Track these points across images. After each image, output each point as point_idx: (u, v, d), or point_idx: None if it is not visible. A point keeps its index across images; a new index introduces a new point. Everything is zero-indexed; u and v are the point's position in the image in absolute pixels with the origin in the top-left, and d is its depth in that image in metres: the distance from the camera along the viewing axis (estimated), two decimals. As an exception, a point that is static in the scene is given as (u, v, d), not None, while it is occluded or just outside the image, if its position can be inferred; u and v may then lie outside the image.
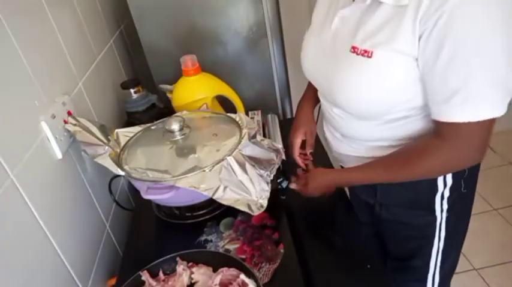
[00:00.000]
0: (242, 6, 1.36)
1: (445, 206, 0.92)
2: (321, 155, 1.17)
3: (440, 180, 0.88)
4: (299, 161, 1.07)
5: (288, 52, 1.48)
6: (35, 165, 0.74)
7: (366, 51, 0.75)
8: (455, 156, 0.75)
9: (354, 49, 0.77)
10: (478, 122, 0.68)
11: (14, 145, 0.69)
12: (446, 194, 0.90)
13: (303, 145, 1.08)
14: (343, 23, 0.82)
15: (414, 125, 0.82)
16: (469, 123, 0.69)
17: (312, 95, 1.08)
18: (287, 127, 1.14)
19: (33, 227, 0.71)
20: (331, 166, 1.14)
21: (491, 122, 0.69)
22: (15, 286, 0.63)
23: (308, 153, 1.08)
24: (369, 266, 0.87)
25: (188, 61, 1.18)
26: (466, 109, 0.68)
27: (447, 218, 0.94)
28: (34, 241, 0.70)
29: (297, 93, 1.26)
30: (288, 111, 1.59)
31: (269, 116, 1.32)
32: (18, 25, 0.78)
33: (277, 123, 1.30)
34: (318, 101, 1.05)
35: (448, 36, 0.65)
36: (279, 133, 1.24)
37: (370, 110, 0.82)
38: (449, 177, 0.88)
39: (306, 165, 1.05)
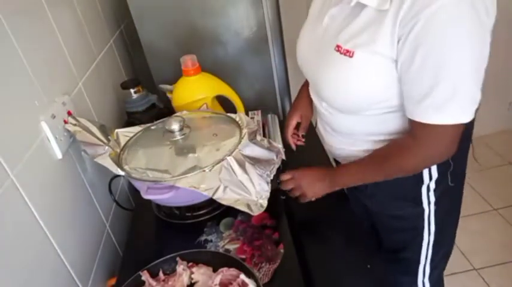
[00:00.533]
0: (242, 6, 1.36)
1: (432, 199, 0.95)
2: (316, 147, 1.18)
3: (425, 173, 0.92)
4: (291, 141, 1.13)
5: (288, 52, 1.48)
6: (35, 165, 0.74)
7: (348, 51, 0.79)
8: (426, 154, 0.82)
9: (338, 48, 0.82)
10: (447, 125, 0.74)
11: (14, 145, 0.69)
12: (432, 186, 0.93)
13: (297, 127, 1.14)
14: (332, 20, 0.86)
15: (399, 120, 0.86)
16: (439, 125, 0.74)
17: None
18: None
19: (33, 227, 0.71)
20: (326, 158, 1.18)
21: (460, 126, 0.75)
22: (15, 286, 0.63)
23: (300, 135, 1.14)
24: (369, 266, 0.87)
25: (188, 61, 1.18)
26: (435, 112, 0.74)
27: (436, 211, 0.97)
28: (34, 241, 0.70)
29: (296, 94, 1.26)
30: (288, 111, 1.59)
31: (269, 116, 1.32)
32: (18, 25, 0.78)
33: (277, 123, 1.30)
34: None
35: (421, 42, 0.69)
36: (279, 133, 1.23)
37: (351, 106, 0.87)
38: (434, 170, 0.91)
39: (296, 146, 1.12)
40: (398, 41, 0.72)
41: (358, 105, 0.86)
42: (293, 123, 1.13)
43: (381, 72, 0.78)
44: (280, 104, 1.57)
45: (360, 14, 0.78)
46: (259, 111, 1.33)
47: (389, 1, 0.72)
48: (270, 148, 0.94)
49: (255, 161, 0.88)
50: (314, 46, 0.91)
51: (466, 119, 0.74)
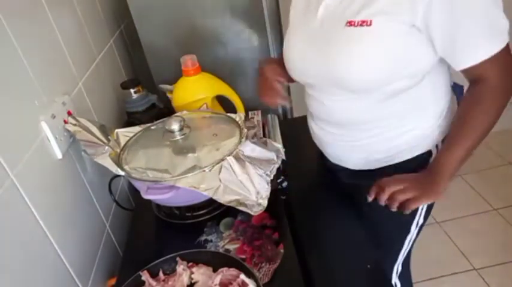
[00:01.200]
0: (242, 6, 1.36)
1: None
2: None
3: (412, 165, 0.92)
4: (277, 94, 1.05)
5: (288, 52, 1.48)
6: (35, 165, 0.74)
7: (363, 22, 0.77)
8: (505, 86, 0.81)
9: (350, 23, 0.79)
10: (500, 53, 0.76)
11: (14, 145, 0.69)
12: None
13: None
14: (329, 9, 0.85)
15: (399, 105, 0.86)
16: (494, 58, 0.75)
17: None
18: (287, 127, 1.14)
19: (33, 227, 0.71)
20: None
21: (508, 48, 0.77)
22: (15, 285, 0.63)
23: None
24: (369, 266, 0.87)
25: (188, 61, 1.18)
26: (485, 44, 0.75)
27: (428, 205, 0.97)
28: (34, 241, 0.70)
29: (297, 94, 1.26)
30: (288, 111, 1.59)
31: (269, 116, 1.32)
32: (18, 25, 0.78)
33: (277, 123, 1.30)
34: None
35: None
36: (279, 133, 1.23)
37: (373, 80, 0.83)
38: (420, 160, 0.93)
39: None
40: (423, 6, 0.73)
41: (381, 77, 0.83)
42: (274, 68, 1.05)
43: (400, 39, 0.77)
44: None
45: None
46: (259, 111, 1.33)
47: None
48: (270, 148, 0.94)
49: (255, 161, 0.88)
50: (313, 41, 0.89)
51: (503, 44, 0.76)
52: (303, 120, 1.12)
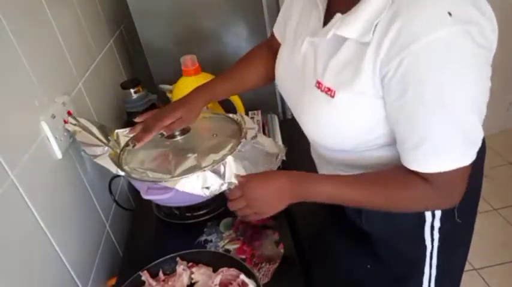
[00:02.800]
0: (242, 6, 1.36)
1: (437, 236, 0.86)
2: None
3: (427, 211, 0.82)
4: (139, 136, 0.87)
5: (288, 52, 1.48)
6: (35, 165, 0.74)
7: (329, 90, 0.71)
8: (435, 198, 0.72)
9: (318, 84, 0.73)
10: (452, 170, 0.66)
11: (14, 145, 0.69)
12: (437, 224, 0.84)
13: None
14: (311, 50, 0.77)
15: (395, 152, 0.73)
16: (442, 172, 0.66)
17: (221, 86, 0.98)
18: (287, 127, 1.14)
19: (33, 227, 0.71)
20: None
21: (467, 167, 0.67)
22: (15, 286, 0.63)
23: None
24: (369, 266, 0.87)
25: (188, 61, 1.18)
26: (436, 159, 0.66)
27: (439, 247, 0.87)
28: (34, 241, 0.70)
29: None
30: (288, 111, 1.59)
31: (269, 116, 1.32)
32: (18, 25, 0.78)
33: (277, 123, 1.30)
34: (224, 95, 0.99)
35: (411, 82, 0.61)
36: (279, 133, 1.23)
37: (340, 145, 0.78)
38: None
39: None
40: (383, 78, 0.64)
41: (346, 145, 0.77)
42: (174, 115, 0.88)
43: (367, 112, 0.69)
44: (280, 104, 1.57)
45: (341, 48, 0.69)
46: (259, 111, 1.33)
47: (371, 32, 0.63)
48: (270, 148, 0.94)
49: (255, 161, 0.88)
50: (293, 76, 0.82)
51: (467, 161, 0.66)
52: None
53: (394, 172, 0.73)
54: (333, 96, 0.71)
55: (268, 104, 1.52)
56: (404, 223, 0.85)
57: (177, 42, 1.39)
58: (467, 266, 1.85)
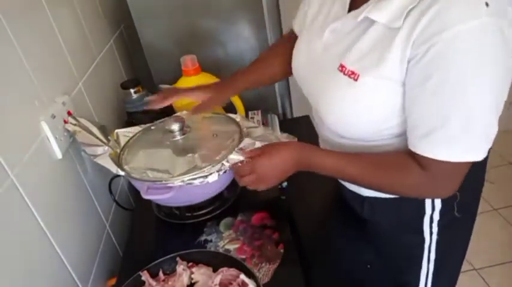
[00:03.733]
0: (242, 6, 1.36)
1: (435, 229, 0.87)
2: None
3: (427, 202, 0.83)
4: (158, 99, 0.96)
5: (288, 52, 1.48)
6: (35, 165, 0.74)
7: (352, 73, 0.71)
8: (430, 187, 0.72)
9: (341, 68, 0.73)
10: (458, 163, 0.66)
11: (14, 145, 0.69)
12: (436, 217, 0.85)
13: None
14: (334, 36, 0.77)
15: (405, 145, 0.74)
16: (448, 162, 0.66)
17: (248, 77, 1.03)
18: (287, 127, 1.14)
19: (33, 227, 0.71)
20: None
21: (471, 163, 0.67)
22: (15, 286, 0.63)
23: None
24: (369, 266, 0.87)
25: (188, 61, 1.18)
26: (445, 147, 0.66)
27: (438, 241, 0.88)
28: (34, 241, 0.70)
29: (297, 94, 1.26)
30: (288, 111, 1.59)
31: (269, 116, 1.32)
32: (18, 25, 0.78)
33: (277, 123, 1.30)
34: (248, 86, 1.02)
35: (436, 68, 0.61)
36: (279, 133, 1.23)
37: (355, 133, 0.78)
38: (438, 201, 0.83)
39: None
40: (408, 62, 0.64)
41: (362, 132, 0.77)
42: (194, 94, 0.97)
43: (388, 98, 0.69)
44: (280, 104, 1.57)
45: (368, 31, 0.69)
46: (259, 111, 1.33)
47: (402, 18, 0.63)
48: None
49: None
50: (313, 64, 0.82)
51: (478, 157, 0.66)
52: (303, 120, 1.12)
53: (394, 155, 0.75)
54: (356, 80, 0.70)
55: (268, 104, 1.52)
56: (404, 213, 0.86)
57: (177, 42, 1.39)
58: (467, 266, 1.85)
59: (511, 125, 2.45)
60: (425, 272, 0.93)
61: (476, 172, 0.73)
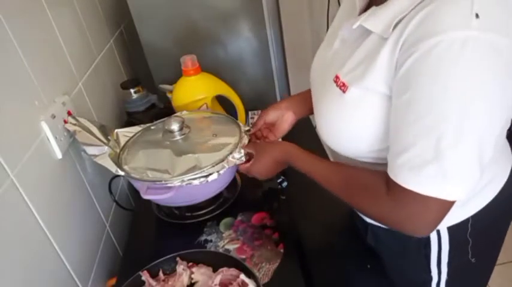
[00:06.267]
0: (242, 6, 1.36)
1: (445, 269, 0.79)
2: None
3: (433, 241, 0.75)
4: (253, 130, 0.97)
5: (288, 52, 1.48)
6: (35, 165, 0.74)
7: (343, 85, 0.66)
8: (394, 217, 0.63)
9: (336, 79, 0.69)
10: (426, 197, 0.57)
11: (14, 145, 0.69)
12: (445, 258, 0.77)
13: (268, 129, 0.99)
14: (342, 45, 0.73)
15: None
16: (415, 193, 0.57)
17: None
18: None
19: (33, 227, 0.71)
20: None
21: (446, 203, 0.57)
22: (15, 285, 0.63)
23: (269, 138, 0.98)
24: (369, 266, 0.87)
25: (188, 61, 1.18)
26: (410, 174, 0.57)
27: (448, 282, 0.80)
28: (34, 241, 0.70)
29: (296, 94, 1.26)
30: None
31: (269, 116, 1.32)
32: (18, 25, 0.78)
33: (277, 123, 1.29)
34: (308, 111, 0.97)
35: (409, 83, 0.55)
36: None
37: (345, 148, 0.73)
38: (445, 242, 0.75)
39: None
40: (395, 70, 0.58)
41: (352, 149, 0.72)
42: (263, 119, 0.97)
43: (379, 114, 0.63)
44: (280, 104, 1.56)
45: (365, 42, 0.64)
46: (259, 111, 1.33)
47: (391, 28, 0.58)
48: None
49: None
50: (321, 73, 0.78)
51: (450, 195, 0.56)
52: (303, 120, 1.12)
53: (370, 174, 0.68)
54: (344, 92, 0.66)
55: (268, 104, 1.52)
56: (409, 247, 0.79)
57: (177, 42, 1.39)
58: (467, 266, 1.85)
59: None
60: None
61: (499, 219, 0.67)
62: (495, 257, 0.86)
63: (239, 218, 0.96)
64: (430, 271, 0.79)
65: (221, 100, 1.30)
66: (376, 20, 0.61)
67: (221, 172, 0.84)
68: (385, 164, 0.64)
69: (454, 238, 0.74)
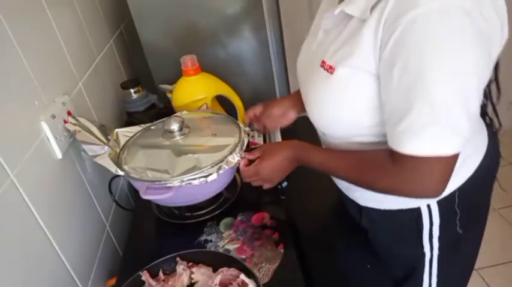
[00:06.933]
0: (242, 6, 1.36)
1: (436, 244, 0.83)
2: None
3: (425, 216, 0.80)
4: (246, 119, 1.04)
5: (287, 52, 1.48)
6: (35, 165, 0.74)
7: (330, 67, 0.71)
8: (405, 185, 0.68)
9: (322, 63, 0.73)
10: (428, 158, 0.62)
11: (14, 145, 0.69)
12: (436, 233, 0.82)
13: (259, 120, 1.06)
14: (325, 35, 0.78)
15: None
16: (417, 156, 0.63)
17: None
18: (287, 127, 1.13)
19: (33, 227, 0.71)
20: None
21: (447, 159, 0.63)
22: (15, 285, 0.63)
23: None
24: (368, 266, 0.87)
25: (188, 61, 1.18)
26: (410, 139, 0.63)
27: (440, 256, 0.85)
28: (34, 241, 0.70)
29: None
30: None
31: (269, 116, 1.32)
32: (18, 25, 0.78)
33: (277, 123, 1.29)
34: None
35: (397, 54, 0.60)
36: (279, 133, 1.23)
37: (338, 129, 0.78)
38: (435, 215, 0.80)
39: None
40: (380, 49, 0.63)
41: (345, 129, 0.76)
42: (255, 110, 1.05)
43: (366, 91, 0.68)
44: (280, 104, 1.56)
45: (347, 26, 0.70)
46: (259, 112, 1.33)
47: (369, 9, 0.63)
48: None
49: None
50: (307, 63, 0.83)
51: (447, 150, 0.62)
52: (303, 120, 1.12)
53: (375, 153, 0.73)
54: (332, 73, 0.71)
55: (268, 104, 1.52)
56: (401, 225, 0.84)
57: (177, 42, 1.39)
58: (467, 266, 1.85)
59: (511, 125, 2.46)
60: (427, 286, 0.90)
61: (481, 189, 0.73)
62: (480, 232, 0.91)
63: (239, 218, 0.96)
64: (422, 247, 0.84)
65: (221, 100, 1.30)
66: (355, 4, 0.66)
67: (221, 172, 0.84)
68: (378, 143, 0.72)
69: (444, 210, 0.79)
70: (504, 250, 1.90)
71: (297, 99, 1.00)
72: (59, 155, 0.84)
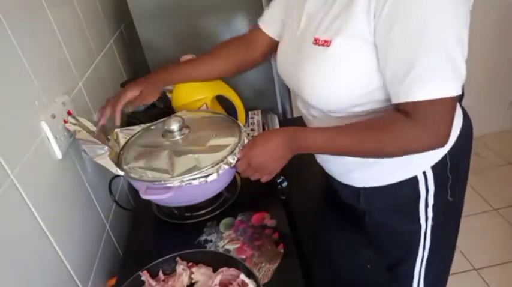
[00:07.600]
0: (242, 6, 1.36)
1: (430, 214, 0.90)
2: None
3: (422, 185, 0.86)
4: (106, 112, 0.97)
5: (288, 52, 1.48)
6: (35, 165, 0.74)
7: (325, 41, 0.75)
8: (420, 135, 0.72)
9: (316, 41, 0.77)
10: (438, 101, 0.67)
11: (14, 145, 0.69)
12: (431, 201, 0.88)
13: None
14: (309, 19, 0.82)
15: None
16: (428, 101, 0.68)
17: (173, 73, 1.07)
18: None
19: (33, 227, 0.71)
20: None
21: (451, 100, 0.68)
22: (15, 286, 0.63)
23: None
24: (368, 266, 0.87)
25: (188, 61, 1.18)
26: (421, 87, 0.67)
27: (432, 226, 0.91)
28: (34, 241, 0.70)
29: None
30: (288, 111, 1.59)
31: (269, 116, 1.32)
32: (18, 25, 0.78)
33: (277, 123, 1.30)
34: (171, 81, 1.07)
35: (396, 14, 0.65)
36: (277, 126, 1.24)
37: (334, 102, 0.80)
38: (431, 183, 0.86)
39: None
40: (374, 18, 0.68)
41: (341, 101, 0.79)
42: (128, 96, 0.98)
43: (363, 58, 0.72)
44: (280, 104, 1.57)
45: (333, 5, 0.75)
46: (259, 111, 1.33)
47: None
48: None
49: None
50: (292, 49, 0.86)
51: (453, 91, 0.67)
52: (303, 120, 1.12)
53: (380, 116, 0.76)
54: (328, 46, 0.74)
55: (268, 104, 1.52)
56: (399, 197, 0.89)
57: (177, 42, 1.39)
58: (467, 266, 1.86)
59: (511, 125, 2.46)
60: (420, 259, 0.96)
61: (462, 152, 0.79)
62: (462, 198, 0.97)
63: (239, 218, 0.96)
64: (419, 219, 0.90)
65: (221, 100, 1.30)
66: None
67: (220, 172, 0.84)
68: (375, 111, 0.77)
69: (438, 175, 0.85)
70: (504, 250, 1.90)
71: (155, 74, 1.04)
72: (59, 155, 0.84)
